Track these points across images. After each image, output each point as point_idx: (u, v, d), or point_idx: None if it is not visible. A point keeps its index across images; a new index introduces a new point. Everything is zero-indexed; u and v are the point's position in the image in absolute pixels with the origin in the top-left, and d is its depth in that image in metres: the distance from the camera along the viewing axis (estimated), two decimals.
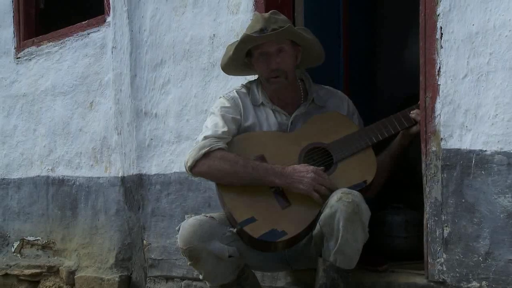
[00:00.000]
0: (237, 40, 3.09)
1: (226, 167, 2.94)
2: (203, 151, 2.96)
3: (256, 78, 3.23)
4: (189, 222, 2.93)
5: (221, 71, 3.36)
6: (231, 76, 3.59)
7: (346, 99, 3.24)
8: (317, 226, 2.82)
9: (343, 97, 3.25)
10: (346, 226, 2.73)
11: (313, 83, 3.21)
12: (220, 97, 3.21)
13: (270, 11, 3.11)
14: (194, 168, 2.99)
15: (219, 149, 2.97)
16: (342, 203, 2.74)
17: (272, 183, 2.93)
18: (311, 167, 2.91)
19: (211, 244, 2.89)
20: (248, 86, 3.22)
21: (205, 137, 3.02)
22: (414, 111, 3.04)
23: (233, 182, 2.96)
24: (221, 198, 3.00)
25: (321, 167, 2.95)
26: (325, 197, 2.86)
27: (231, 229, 2.93)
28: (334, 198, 2.77)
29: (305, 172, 2.89)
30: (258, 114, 3.14)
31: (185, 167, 3.03)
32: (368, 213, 2.79)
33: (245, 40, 3.03)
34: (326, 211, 2.78)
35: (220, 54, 3.79)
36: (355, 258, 2.81)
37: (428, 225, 2.86)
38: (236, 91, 3.20)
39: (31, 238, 5.17)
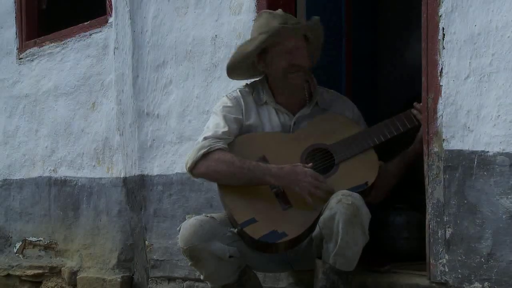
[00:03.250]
0: (263, 33, 3.02)
1: (223, 168, 2.94)
2: (202, 152, 2.97)
3: (260, 79, 3.23)
4: (190, 222, 2.93)
5: (223, 72, 3.35)
6: None
7: (351, 105, 3.24)
8: (317, 228, 2.82)
9: (349, 102, 3.25)
10: (345, 229, 2.72)
11: (318, 86, 3.21)
12: (223, 97, 3.21)
13: (279, 10, 3.12)
14: (193, 169, 3.00)
15: (217, 149, 2.97)
16: (342, 205, 2.73)
17: (268, 184, 2.93)
18: (309, 170, 2.90)
19: (212, 244, 2.89)
20: (252, 85, 3.22)
21: (205, 138, 3.02)
22: (416, 108, 3.04)
23: (231, 183, 2.96)
24: (222, 199, 3.01)
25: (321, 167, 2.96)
26: (321, 201, 2.85)
27: (231, 229, 2.93)
28: (334, 200, 2.77)
29: (302, 175, 2.88)
30: (261, 114, 3.14)
31: (186, 168, 3.04)
32: (368, 216, 2.79)
33: (276, 32, 2.99)
34: (326, 213, 2.78)
35: (222, 54, 3.80)
36: (354, 260, 2.81)
37: (430, 226, 2.86)
38: (239, 90, 3.20)
39: (33, 239, 5.17)
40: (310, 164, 2.94)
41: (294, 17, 3.14)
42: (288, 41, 3.03)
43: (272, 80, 3.15)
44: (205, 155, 2.97)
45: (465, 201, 2.73)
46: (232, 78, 3.30)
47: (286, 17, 3.05)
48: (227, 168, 2.93)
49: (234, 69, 3.20)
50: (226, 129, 3.04)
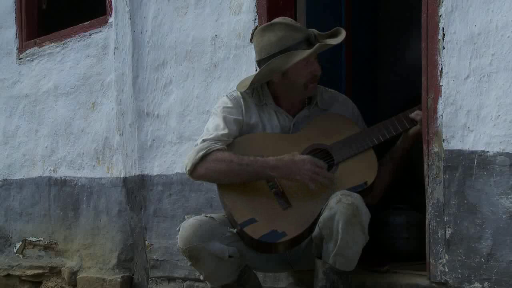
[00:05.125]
0: (308, 50, 2.99)
1: (222, 167, 2.93)
2: (201, 154, 2.96)
3: None
4: (189, 222, 2.93)
5: (223, 72, 3.37)
6: (233, 77, 3.60)
7: (351, 104, 3.24)
8: (316, 228, 2.82)
9: (348, 102, 3.25)
10: (345, 229, 2.72)
11: (317, 85, 3.21)
12: (223, 96, 3.21)
13: (284, 18, 3.10)
14: (193, 172, 2.99)
15: (216, 150, 2.96)
16: (341, 205, 2.73)
17: (269, 177, 2.93)
18: (308, 157, 2.91)
19: (211, 244, 2.89)
20: (251, 86, 3.21)
21: (204, 140, 3.01)
22: (415, 112, 3.04)
23: (231, 181, 2.96)
24: (222, 199, 3.01)
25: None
26: (324, 188, 2.85)
27: (231, 229, 2.93)
28: (333, 200, 2.77)
29: (302, 162, 2.88)
30: (261, 115, 3.14)
31: (185, 171, 3.04)
32: (367, 215, 2.79)
33: (320, 48, 3.01)
34: (326, 213, 2.77)
35: (222, 54, 3.81)
36: (354, 260, 2.81)
37: (430, 226, 2.86)
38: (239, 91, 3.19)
39: (33, 239, 5.17)
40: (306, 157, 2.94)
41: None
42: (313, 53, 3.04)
43: (279, 87, 3.11)
44: (204, 157, 2.96)
45: (465, 201, 2.73)
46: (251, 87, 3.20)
47: (305, 29, 3.04)
48: (226, 167, 2.93)
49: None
50: (225, 131, 3.03)
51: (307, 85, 3.06)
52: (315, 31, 3.04)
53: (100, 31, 4.66)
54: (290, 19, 3.13)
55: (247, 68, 3.64)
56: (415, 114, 3.03)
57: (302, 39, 3.01)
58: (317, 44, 3.00)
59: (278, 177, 2.92)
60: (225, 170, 2.93)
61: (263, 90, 3.16)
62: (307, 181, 2.87)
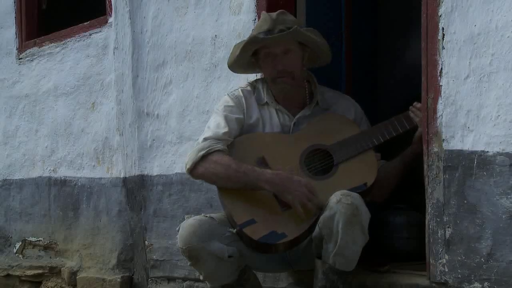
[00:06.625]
0: (244, 40, 3.09)
1: (220, 170, 2.94)
2: (202, 153, 2.97)
3: (262, 77, 3.24)
4: (189, 222, 2.93)
5: (223, 72, 3.35)
6: (233, 76, 3.60)
7: (353, 104, 3.23)
8: (316, 228, 2.82)
9: (351, 102, 3.25)
10: (345, 229, 2.72)
11: (319, 85, 3.21)
12: (225, 95, 3.21)
13: (278, 11, 3.10)
14: (193, 170, 3.00)
15: (216, 151, 2.97)
16: (341, 205, 2.73)
17: (263, 189, 2.92)
18: (304, 180, 2.89)
19: (211, 244, 2.88)
20: (254, 84, 3.22)
21: (205, 139, 3.02)
22: (414, 108, 3.04)
23: (227, 185, 2.96)
24: (222, 199, 3.01)
25: (319, 170, 2.96)
26: (310, 213, 2.84)
27: (230, 229, 2.93)
28: (333, 200, 2.77)
29: (297, 184, 2.87)
30: (262, 113, 3.14)
31: (185, 169, 3.04)
32: (367, 215, 2.79)
33: (252, 41, 3.03)
34: (326, 213, 2.77)
35: (222, 54, 3.81)
36: (354, 260, 2.81)
37: (430, 226, 2.86)
38: (241, 90, 3.20)
39: (33, 239, 5.17)
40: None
41: (293, 18, 3.12)
42: (275, 46, 3.03)
43: (268, 81, 3.17)
44: (204, 157, 2.97)
45: (465, 201, 2.73)
46: (236, 73, 3.31)
47: (277, 22, 3.02)
48: (224, 171, 2.93)
49: (235, 68, 3.21)
50: (226, 129, 3.04)
51: (274, 79, 3.08)
52: (293, 27, 3.00)
53: (100, 31, 4.66)
54: (282, 11, 3.10)
55: None
56: (414, 114, 3.03)
57: (264, 30, 3.02)
58: (251, 35, 3.04)
59: (271, 191, 2.92)
60: (222, 174, 2.94)
61: (264, 89, 3.16)
62: (297, 203, 2.85)
